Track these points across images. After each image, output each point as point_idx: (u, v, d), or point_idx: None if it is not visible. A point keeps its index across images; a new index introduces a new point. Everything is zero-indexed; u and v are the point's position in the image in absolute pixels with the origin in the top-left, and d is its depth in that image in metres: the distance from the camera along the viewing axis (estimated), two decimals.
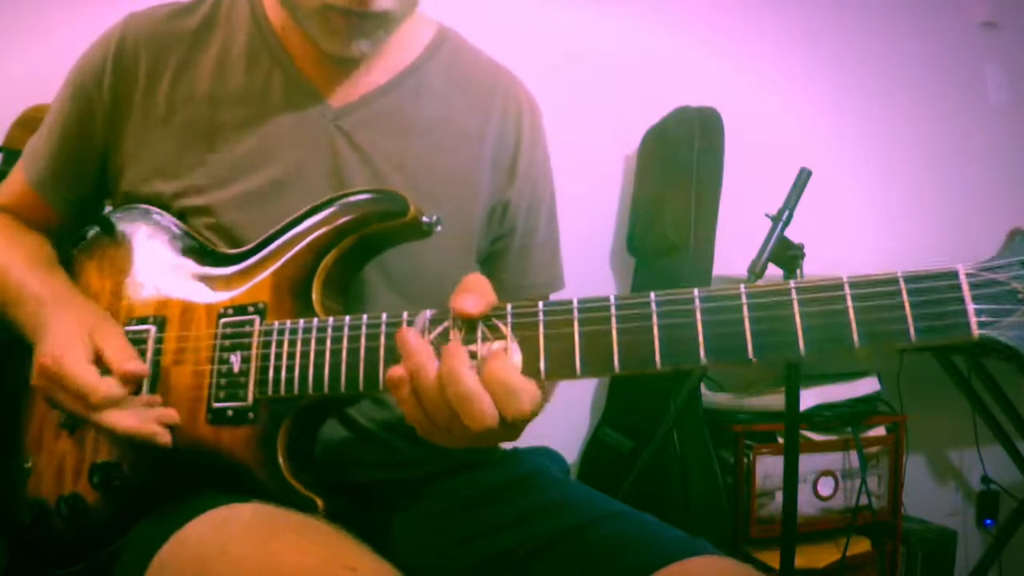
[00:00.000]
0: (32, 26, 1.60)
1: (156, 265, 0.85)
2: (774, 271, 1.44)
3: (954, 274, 0.55)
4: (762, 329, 0.58)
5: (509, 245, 0.98)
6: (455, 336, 0.66)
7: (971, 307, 0.54)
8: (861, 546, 1.88)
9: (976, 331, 0.53)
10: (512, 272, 0.98)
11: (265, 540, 0.63)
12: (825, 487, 1.87)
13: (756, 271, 1.41)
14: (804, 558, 1.70)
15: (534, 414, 0.63)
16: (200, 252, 0.84)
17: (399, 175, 0.89)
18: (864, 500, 1.85)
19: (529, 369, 0.63)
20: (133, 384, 0.76)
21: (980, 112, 2.49)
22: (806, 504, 1.82)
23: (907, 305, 0.55)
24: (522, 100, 0.99)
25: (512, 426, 0.63)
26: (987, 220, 2.39)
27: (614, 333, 0.61)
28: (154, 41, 0.89)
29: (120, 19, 0.92)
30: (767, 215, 1.43)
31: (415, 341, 0.64)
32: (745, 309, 0.59)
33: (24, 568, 0.83)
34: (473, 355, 0.64)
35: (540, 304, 0.64)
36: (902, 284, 0.56)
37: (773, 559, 1.59)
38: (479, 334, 0.65)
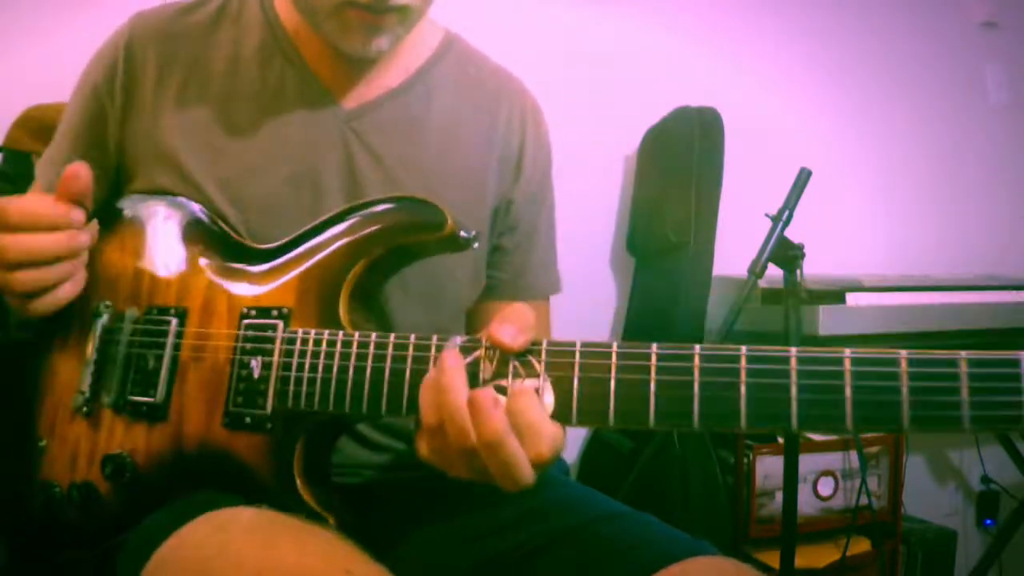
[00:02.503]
0: (32, 26, 1.60)
1: (180, 253, 0.83)
2: (774, 271, 1.44)
3: (1017, 362, 0.51)
4: (810, 401, 0.54)
5: (510, 242, 0.98)
6: (486, 368, 0.63)
7: None
8: (861, 546, 1.88)
9: None
10: (511, 270, 0.98)
11: (265, 542, 0.63)
12: (825, 487, 1.86)
13: (756, 271, 1.41)
14: (804, 558, 1.70)
15: (554, 460, 0.61)
16: (227, 244, 0.83)
17: (411, 177, 0.90)
18: (864, 500, 1.85)
19: (560, 412, 0.61)
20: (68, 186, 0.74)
21: (980, 112, 2.49)
22: (806, 504, 1.82)
23: (965, 390, 0.52)
24: (526, 104, 1.00)
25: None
26: (987, 220, 2.40)
27: (652, 385, 0.58)
28: (164, 39, 0.89)
29: (127, 20, 0.91)
30: (767, 215, 1.43)
31: (451, 357, 0.62)
32: (793, 375, 0.55)
33: (29, 553, 0.83)
34: (502, 390, 0.61)
35: (578, 343, 0.62)
36: (963, 367, 0.52)
37: (773, 559, 1.59)
38: (511, 368, 0.63)
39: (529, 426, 0.59)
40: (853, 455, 1.87)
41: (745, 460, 1.80)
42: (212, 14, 0.91)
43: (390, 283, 0.88)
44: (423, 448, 0.65)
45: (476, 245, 0.77)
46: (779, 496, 1.73)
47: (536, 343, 0.63)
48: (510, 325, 0.63)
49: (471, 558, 0.81)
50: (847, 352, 0.54)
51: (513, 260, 0.99)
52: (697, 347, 0.58)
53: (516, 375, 0.62)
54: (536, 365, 0.62)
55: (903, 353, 0.53)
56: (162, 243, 0.85)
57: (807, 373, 0.55)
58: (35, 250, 0.73)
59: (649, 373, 0.59)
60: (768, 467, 1.80)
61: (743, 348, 0.57)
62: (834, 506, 1.88)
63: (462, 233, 0.76)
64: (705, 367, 0.57)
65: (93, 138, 0.91)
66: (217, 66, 0.89)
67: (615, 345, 0.61)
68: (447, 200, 0.90)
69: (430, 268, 0.89)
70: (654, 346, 0.59)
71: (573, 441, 2.04)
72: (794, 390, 0.55)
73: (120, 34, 0.91)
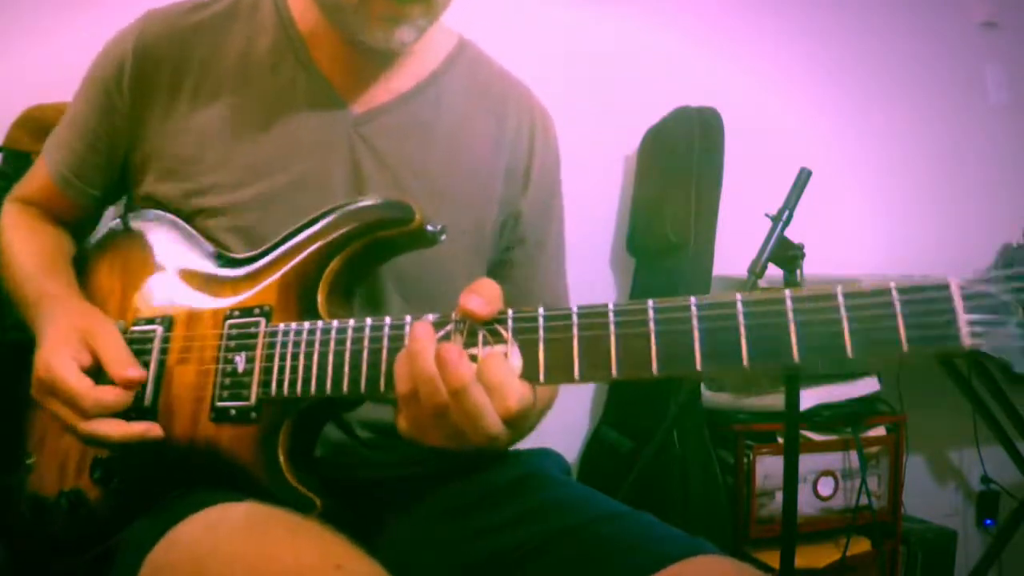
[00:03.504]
0: (32, 26, 1.60)
1: (166, 266, 0.85)
2: (774, 271, 1.44)
3: (946, 286, 0.55)
4: (757, 337, 0.59)
5: (518, 255, 0.99)
6: (456, 339, 0.66)
7: (963, 318, 0.54)
8: (861, 546, 1.88)
9: (967, 342, 0.54)
10: (518, 283, 0.98)
11: (258, 539, 0.63)
12: (825, 487, 1.87)
13: (756, 271, 1.41)
14: (804, 558, 1.70)
15: (523, 416, 0.63)
16: (210, 255, 0.84)
17: (418, 181, 0.90)
18: (864, 500, 1.85)
19: (529, 373, 0.64)
20: (132, 392, 0.76)
21: (980, 112, 2.49)
22: (806, 504, 1.82)
23: (899, 316, 0.55)
24: (535, 112, 1.01)
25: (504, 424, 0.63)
26: (987, 220, 2.39)
27: (612, 339, 0.62)
28: (176, 38, 0.89)
29: (139, 18, 0.92)
30: (767, 215, 1.43)
31: (421, 327, 0.65)
32: (740, 317, 0.59)
33: (22, 562, 0.84)
34: (473, 358, 0.64)
35: (540, 309, 0.65)
36: (895, 295, 0.56)
37: (773, 559, 1.59)
38: (480, 338, 0.66)
39: (496, 382, 0.62)
40: (853, 455, 1.87)
41: (745, 460, 1.80)
42: (223, 11, 0.91)
43: (392, 288, 0.88)
44: (401, 422, 0.68)
45: (444, 238, 0.78)
46: (779, 496, 1.73)
47: (502, 312, 0.66)
48: (478, 296, 0.66)
49: (470, 557, 0.81)
50: (787, 292, 0.59)
51: (521, 273, 0.99)
52: (650, 301, 0.62)
53: (486, 343, 0.65)
54: (503, 333, 0.65)
55: (839, 288, 0.57)
56: (149, 258, 0.86)
57: (752, 314, 0.59)
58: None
59: (608, 329, 0.63)
60: (768, 467, 1.80)
61: (692, 298, 0.61)
62: (834, 506, 1.88)
63: (429, 227, 0.77)
64: (659, 318, 0.61)
65: (102, 130, 0.91)
66: (228, 63, 0.89)
67: (575, 307, 0.65)
68: (455, 203, 0.91)
69: (430, 272, 0.89)
70: (610, 304, 0.63)
71: (573, 441, 2.04)
72: (743, 330, 0.59)
73: (131, 31, 0.91)
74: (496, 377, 0.62)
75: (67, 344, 0.77)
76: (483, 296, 0.66)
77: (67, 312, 0.82)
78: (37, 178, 0.98)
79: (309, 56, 0.90)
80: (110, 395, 0.74)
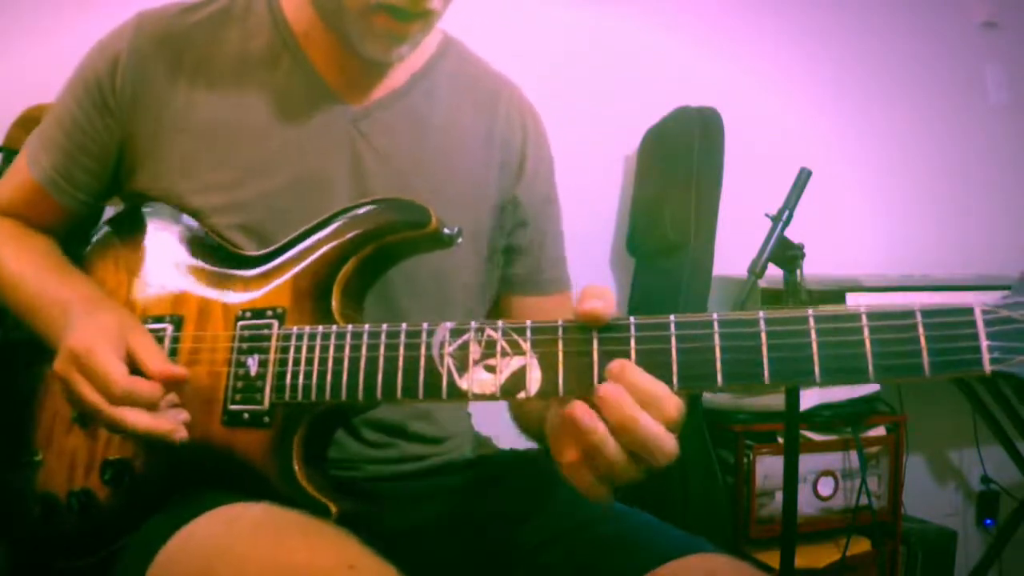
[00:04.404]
0: (32, 26, 1.60)
1: (173, 264, 0.84)
2: (774, 271, 1.44)
3: (970, 310, 0.55)
4: (780, 357, 0.58)
5: (523, 239, 0.99)
6: (475, 349, 0.66)
7: (985, 344, 0.55)
8: (861, 546, 1.88)
9: (988, 367, 0.54)
10: (527, 266, 0.99)
11: (271, 540, 0.63)
12: (825, 487, 1.87)
13: (756, 271, 1.41)
14: (804, 558, 1.70)
15: (682, 419, 0.62)
16: (219, 253, 0.84)
17: (416, 176, 0.90)
18: (864, 500, 1.85)
19: (547, 386, 0.63)
20: (163, 390, 0.74)
21: (980, 112, 2.49)
22: (806, 504, 1.82)
23: (923, 340, 0.56)
24: (524, 105, 1.01)
25: None
26: (987, 220, 2.39)
27: (632, 354, 0.62)
28: (170, 38, 0.89)
29: (132, 18, 0.91)
30: (767, 215, 1.43)
31: (587, 419, 0.61)
32: (763, 336, 0.59)
33: (22, 561, 0.83)
34: (490, 368, 0.64)
35: (560, 321, 0.65)
36: (919, 318, 0.56)
37: (773, 559, 1.59)
38: (498, 348, 0.65)
39: (654, 401, 0.60)
40: (853, 455, 1.87)
41: (745, 460, 1.80)
42: (216, 13, 0.91)
43: (402, 287, 0.88)
44: (575, 481, 0.65)
45: (460, 240, 0.78)
46: (779, 496, 1.73)
47: (520, 324, 0.65)
48: (597, 299, 0.63)
49: (471, 556, 0.81)
50: (810, 311, 0.59)
51: (528, 257, 0.99)
52: (672, 317, 0.62)
53: (504, 354, 0.65)
54: (522, 344, 0.64)
55: (863, 309, 0.57)
56: (156, 256, 0.85)
57: (776, 333, 0.59)
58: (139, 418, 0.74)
59: (629, 344, 0.62)
60: (768, 467, 1.80)
61: (715, 314, 0.61)
62: (834, 506, 1.88)
63: (445, 230, 0.77)
64: (681, 334, 0.61)
65: (94, 130, 0.89)
66: (224, 66, 0.89)
67: None
68: (452, 198, 0.91)
69: (438, 271, 0.89)
70: (632, 319, 0.62)
71: None
72: (765, 349, 0.59)
73: (123, 32, 0.90)
74: (646, 390, 0.60)
75: (108, 332, 0.75)
76: (600, 297, 0.63)
77: (104, 309, 0.79)
78: (16, 182, 0.94)
79: (304, 56, 0.90)
80: (144, 387, 0.73)
